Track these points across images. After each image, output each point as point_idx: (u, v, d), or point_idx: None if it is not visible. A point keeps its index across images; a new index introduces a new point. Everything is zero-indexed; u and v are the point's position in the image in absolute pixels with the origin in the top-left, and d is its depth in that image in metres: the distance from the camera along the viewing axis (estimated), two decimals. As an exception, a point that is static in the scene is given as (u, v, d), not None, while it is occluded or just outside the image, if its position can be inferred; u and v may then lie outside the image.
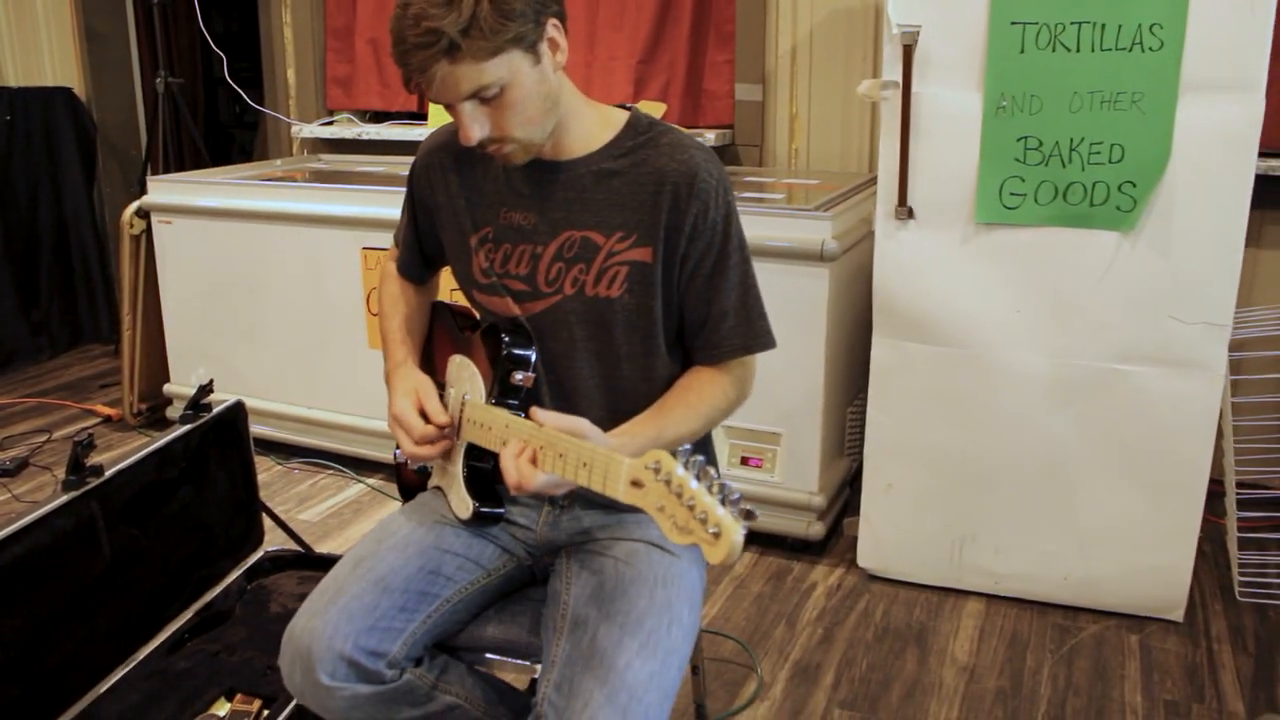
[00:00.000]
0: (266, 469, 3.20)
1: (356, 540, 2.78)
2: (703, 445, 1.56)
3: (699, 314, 1.43)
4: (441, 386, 1.57)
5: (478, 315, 1.58)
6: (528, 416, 1.35)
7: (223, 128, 6.65)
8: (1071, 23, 2.06)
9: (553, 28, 1.32)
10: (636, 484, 1.10)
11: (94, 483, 1.88)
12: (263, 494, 3.01)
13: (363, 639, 1.33)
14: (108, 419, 3.59)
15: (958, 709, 2.06)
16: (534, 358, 1.45)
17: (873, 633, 2.32)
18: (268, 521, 2.35)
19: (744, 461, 2.60)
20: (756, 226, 2.45)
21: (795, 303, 2.43)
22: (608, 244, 1.40)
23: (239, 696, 1.87)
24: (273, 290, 3.14)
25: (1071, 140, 2.12)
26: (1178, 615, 2.34)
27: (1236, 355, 2.23)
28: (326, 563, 2.36)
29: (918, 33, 2.17)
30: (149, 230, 3.30)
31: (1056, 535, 2.36)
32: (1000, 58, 2.12)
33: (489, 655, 1.50)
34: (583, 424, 1.25)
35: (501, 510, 1.49)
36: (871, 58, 3.10)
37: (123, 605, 1.93)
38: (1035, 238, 2.21)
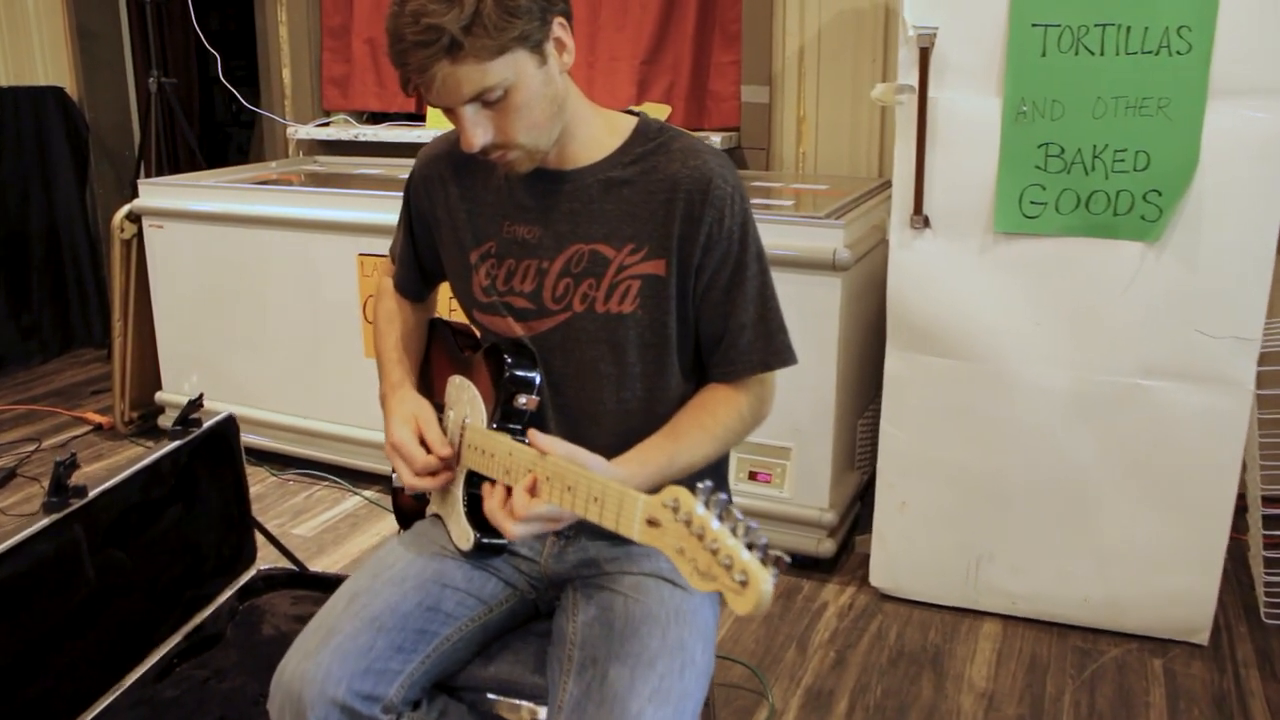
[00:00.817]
0: (260, 480, 3.12)
1: (352, 557, 2.74)
2: (717, 465, 1.47)
3: (715, 329, 1.36)
4: (439, 408, 1.49)
5: (478, 334, 1.50)
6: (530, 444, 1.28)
7: (219, 127, 6.57)
8: (1095, 25, 1.98)
9: (559, 26, 1.24)
10: (653, 523, 1.02)
11: (77, 504, 1.80)
12: (256, 507, 2.94)
13: (357, 683, 1.25)
14: (98, 427, 3.50)
15: (976, 738, 1.99)
16: (539, 380, 1.37)
17: (887, 656, 2.24)
18: (260, 538, 2.28)
19: (752, 476, 2.52)
20: (766, 234, 2.31)
21: (806, 313, 2.35)
22: (618, 257, 1.32)
23: (229, 728, 1.79)
24: (267, 297, 3.06)
25: (1095, 147, 2.04)
26: (1202, 639, 2.26)
27: (1265, 369, 2.15)
28: (321, 581, 2.29)
29: (934, 35, 2.09)
30: (140, 235, 3.22)
31: (1076, 555, 2.28)
32: (1021, 61, 2.04)
33: (491, 695, 1.42)
34: (581, 453, 1.17)
35: (504, 541, 1.41)
36: (881, 59, 3.02)
37: (107, 631, 1.85)
38: (1056, 248, 2.13)
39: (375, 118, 3.88)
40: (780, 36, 3.13)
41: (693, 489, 1.00)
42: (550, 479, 1.17)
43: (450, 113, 1.23)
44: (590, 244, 1.32)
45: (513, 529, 1.20)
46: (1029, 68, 2.04)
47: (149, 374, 3.37)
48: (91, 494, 1.84)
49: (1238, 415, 2.11)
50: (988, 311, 2.19)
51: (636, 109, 1.40)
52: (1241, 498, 2.49)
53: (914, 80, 2.12)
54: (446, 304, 2.42)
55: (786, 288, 2.33)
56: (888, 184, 2.94)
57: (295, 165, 3.74)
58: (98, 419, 3.53)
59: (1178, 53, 1.95)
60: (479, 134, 1.23)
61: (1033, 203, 2.10)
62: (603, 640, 1.28)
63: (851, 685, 2.14)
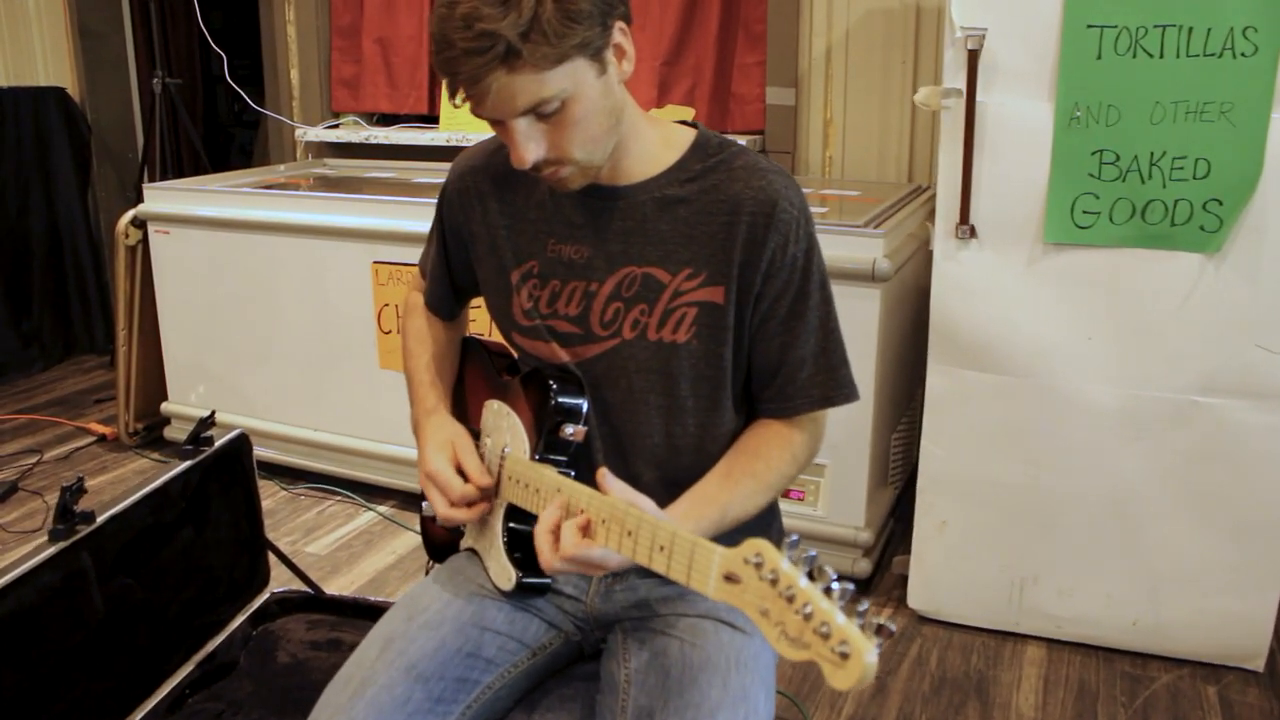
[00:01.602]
0: (271, 494, 3.02)
1: (368, 577, 2.64)
2: (771, 505, 1.38)
3: (772, 361, 1.26)
4: (475, 434, 1.40)
5: (516, 357, 1.41)
6: (576, 478, 1.18)
7: (222, 127, 6.47)
8: (1155, 26, 1.89)
9: (620, 32, 1.14)
10: (731, 579, 0.93)
11: (84, 531, 1.70)
12: (267, 524, 2.83)
13: (395, 738, 1.16)
14: (102, 438, 3.41)
15: (1029, 774, 1.90)
16: (586, 408, 1.28)
17: (929, 683, 2.15)
18: (273, 558, 2.18)
19: (785, 494, 2.42)
20: (801, 244, 2.27)
21: (844, 325, 2.25)
22: (674, 282, 1.22)
23: (246, 770, 1.69)
24: (277, 305, 2.97)
25: (1152, 154, 1.95)
26: (1258, 665, 2.17)
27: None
28: (338, 605, 2.19)
29: (983, 36, 2.00)
30: (145, 240, 3.12)
31: (1125, 577, 2.19)
32: (1074, 64, 1.95)
33: (535, 746, 1.32)
34: (646, 501, 1.07)
35: (548, 580, 1.31)
36: (913, 61, 2.93)
37: (117, 663, 1.75)
38: (1109, 259, 2.03)
39: (386, 119, 3.78)
40: (806, 37, 3.03)
41: (778, 542, 0.90)
42: (607, 521, 1.07)
43: (499, 125, 1.13)
44: (644, 267, 1.23)
45: (554, 562, 1.10)
46: (1083, 71, 1.94)
47: (154, 384, 3.27)
48: (99, 520, 1.74)
49: (1298, 434, 2.02)
50: (1036, 325, 2.10)
51: (696, 122, 1.31)
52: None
53: (961, 84, 2.03)
54: (487, 324, 2.33)
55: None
56: (919, 189, 2.85)
57: (304, 168, 3.65)
58: (101, 429, 3.43)
59: (1242, 55, 1.86)
60: (532, 149, 1.13)
61: (1085, 212, 2.01)
62: (658, 689, 1.19)
63: (894, 715, 2.05)
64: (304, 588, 2.23)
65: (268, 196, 2.98)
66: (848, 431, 2.32)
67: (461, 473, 1.29)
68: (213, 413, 2.10)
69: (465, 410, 1.46)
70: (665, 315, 1.23)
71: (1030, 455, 2.18)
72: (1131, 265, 2.02)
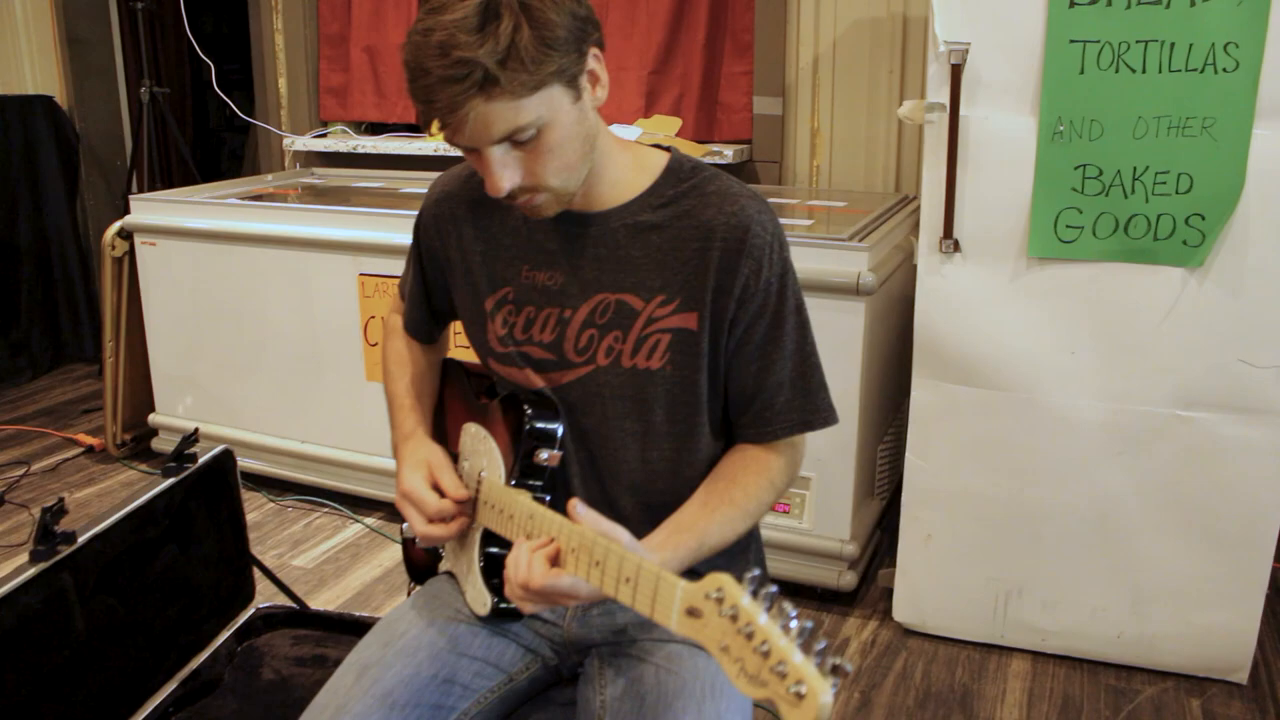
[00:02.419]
0: (258, 506, 3.02)
1: (354, 590, 2.63)
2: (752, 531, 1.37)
3: (749, 386, 1.26)
4: (454, 457, 1.39)
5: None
6: (552, 503, 1.18)
7: (212, 132, 6.46)
8: (1137, 41, 1.89)
9: (594, 58, 1.14)
10: (693, 613, 0.92)
11: (65, 551, 1.69)
12: (254, 536, 2.84)
13: (369, 768, 1.15)
14: (90, 449, 3.40)
15: (1013, 790, 1.90)
16: (561, 432, 1.27)
17: (914, 697, 2.15)
18: (258, 573, 2.18)
19: (770, 507, 2.42)
20: (786, 257, 2.27)
21: (828, 340, 2.22)
22: (647, 309, 1.22)
23: (228, 791, 1.69)
24: (264, 317, 2.96)
25: (1135, 169, 1.95)
26: (1241, 677, 2.17)
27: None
28: (323, 620, 2.19)
29: (967, 51, 2.00)
30: (132, 251, 3.11)
31: (1110, 590, 2.19)
32: (1058, 79, 1.95)
33: (512, 773, 1.32)
34: (622, 534, 1.07)
35: (524, 605, 1.31)
36: (899, 70, 2.93)
37: (99, 682, 1.74)
38: (1093, 274, 2.03)
39: (374, 128, 3.77)
40: (794, 46, 3.03)
41: (742, 575, 0.90)
42: (576, 550, 1.07)
43: (474, 153, 1.13)
44: (617, 293, 1.22)
45: (525, 606, 1.10)
46: (1066, 85, 1.94)
47: (142, 395, 3.26)
48: (81, 540, 1.73)
49: (1282, 448, 2.02)
50: (1020, 339, 2.10)
51: (670, 146, 1.30)
52: None
53: (945, 98, 2.02)
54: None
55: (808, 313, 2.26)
56: (906, 200, 2.85)
57: (292, 178, 3.64)
58: (89, 440, 3.43)
59: (1224, 70, 1.86)
60: (507, 177, 1.13)
61: (1069, 226, 2.01)
62: (634, 716, 1.19)
63: (879, 731, 2.05)
64: (289, 603, 2.22)
65: (253, 209, 2.97)
66: (833, 445, 2.32)
67: (439, 490, 1.29)
68: (196, 430, 2.10)
69: (445, 433, 1.46)
70: (639, 342, 1.22)
71: (1015, 469, 2.18)
72: (1115, 280, 2.02)
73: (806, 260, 2.25)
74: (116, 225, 3.10)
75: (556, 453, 1.26)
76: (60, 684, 1.66)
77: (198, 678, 1.96)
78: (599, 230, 1.23)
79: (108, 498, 3.05)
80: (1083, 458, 2.13)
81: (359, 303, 2.79)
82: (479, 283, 1.31)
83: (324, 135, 3.70)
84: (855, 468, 2.34)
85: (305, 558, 2.73)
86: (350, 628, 2.09)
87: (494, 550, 1.30)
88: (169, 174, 4.17)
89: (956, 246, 2.09)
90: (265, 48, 3.76)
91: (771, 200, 2.87)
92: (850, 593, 2.45)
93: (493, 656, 1.30)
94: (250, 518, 2.96)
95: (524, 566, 1.09)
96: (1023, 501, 2.19)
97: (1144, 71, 1.90)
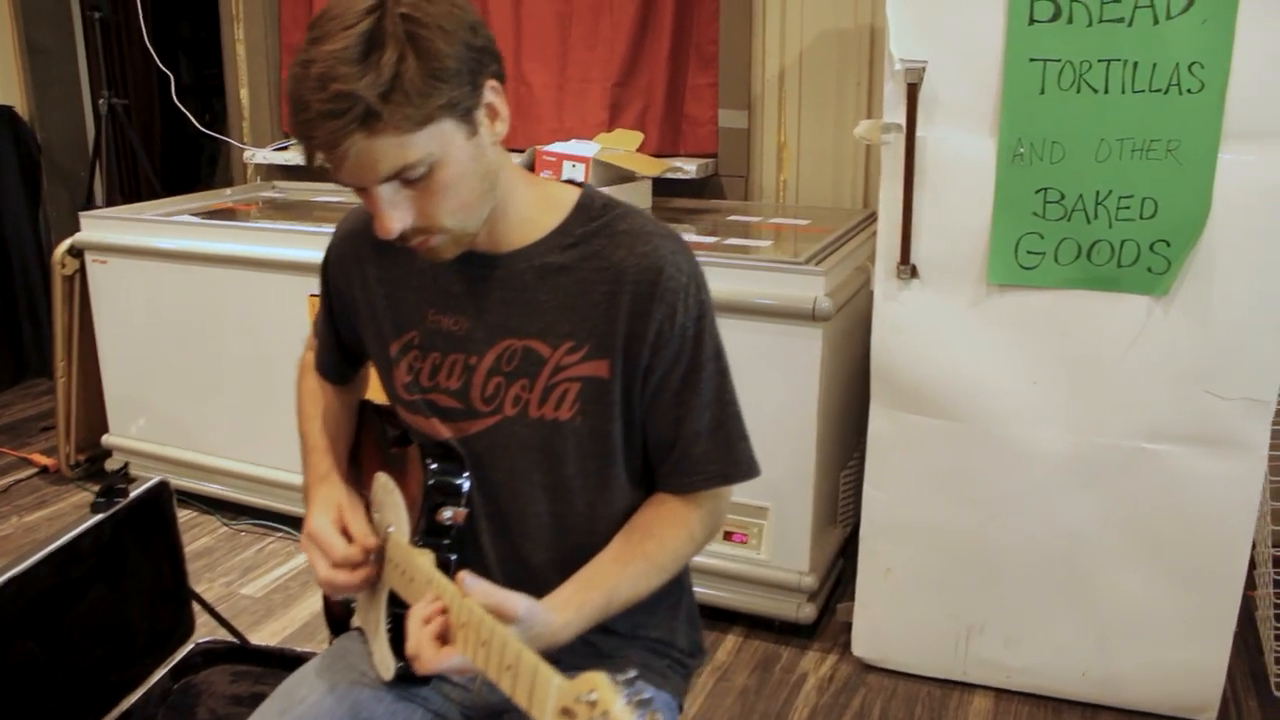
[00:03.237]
0: (211, 531, 2.94)
1: (302, 621, 2.56)
2: (680, 577, 1.30)
3: (666, 435, 1.18)
4: (369, 506, 1.32)
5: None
6: (460, 561, 1.11)
7: (190, 137, 6.37)
8: (1099, 60, 1.82)
9: (491, 90, 1.06)
10: (567, 713, 0.85)
11: (-23, 598, 1.62)
12: (204, 563, 2.77)
13: None
14: (44, 470, 3.32)
15: (969, 840, 1.82)
16: (467, 488, 1.20)
17: (872, 738, 2.08)
18: (200, 607, 2.10)
19: (728, 537, 2.35)
20: (741, 282, 2.20)
21: (784, 366, 2.18)
22: (554, 356, 1.14)
23: None
24: (218, 337, 2.88)
25: (1098, 193, 1.87)
26: (1210, 716, 2.09)
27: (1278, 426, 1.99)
28: (263, 656, 2.11)
29: (923, 69, 1.92)
30: (83, 270, 3.04)
31: (1074, 626, 2.11)
32: (1017, 99, 1.87)
33: None
34: (517, 603, 1.00)
35: (431, 669, 1.24)
36: (867, 83, 2.85)
37: (18, 730, 1.67)
38: (1055, 301, 1.96)
39: (338, 140, 3.68)
40: (760, 58, 2.95)
41: (615, 678, 0.83)
42: (465, 626, 1.00)
43: (363, 192, 1.05)
44: (524, 339, 1.15)
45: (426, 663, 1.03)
46: (1026, 106, 1.87)
47: (96, 415, 3.18)
48: (-5, 584, 1.66)
49: (1250, 481, 1.94)
50: (980, 369, 2.03)
51: (583, 182, 1.23)
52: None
53: (901, 118, 1.95)
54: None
55: (763, 338, 2.20)
56: (873, 216, 2.77)
57: (253, 192, 3.56)
58: (44, 461, 3.34)
59: (1189, 91, 1.78)
60: (397, 217, 1.05)
61: (1030, 252, 1.94)
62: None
63: (834, 775, 1.98)
64: (230, 637, 2.15)
65: (204, 227, 2.90)
66: (791, 474, 2.25)
67: (348, 535, 1.21)
68: (126, 465, 2.03)
69: (361, 479, 1.39)
70: (547, 391, 1.15)
71: (976, 501, 2.10)
72: (1078, 308, 1.95)
73: (762, 284, 2.18)
74: (67, 242, 3.02)
75: (462, 510, 1.19)
76: (-29, 735, 1.59)
77: (130, 718, 1.89)
78: (505, 273, 1.16)
79: (56, 521, 2.98)
80: (1046, 491, 2.05)
81: (310, 324, 2.71)
82: (384, 326, 1.24)
83: (285, 148, 3.62)
84: (814, 497, 2.27)
85: (255, 585, 2.65)
86: (290, 664, 2.01)
87: (400, 611, 1.23)
88: (135, 185, 4.09)
89: (914, 272, 2.02)
90: (226, 57, 3.68)
91: (734, 219, 2.80)
92: (810, 625, 2.37)
93: (397, 724, 1.22)
94: (201, 543, 2.89)
95: (413, 642, 1.02)
96: (985, 535, 2.12)
97: (1106, 92, 1.83)
